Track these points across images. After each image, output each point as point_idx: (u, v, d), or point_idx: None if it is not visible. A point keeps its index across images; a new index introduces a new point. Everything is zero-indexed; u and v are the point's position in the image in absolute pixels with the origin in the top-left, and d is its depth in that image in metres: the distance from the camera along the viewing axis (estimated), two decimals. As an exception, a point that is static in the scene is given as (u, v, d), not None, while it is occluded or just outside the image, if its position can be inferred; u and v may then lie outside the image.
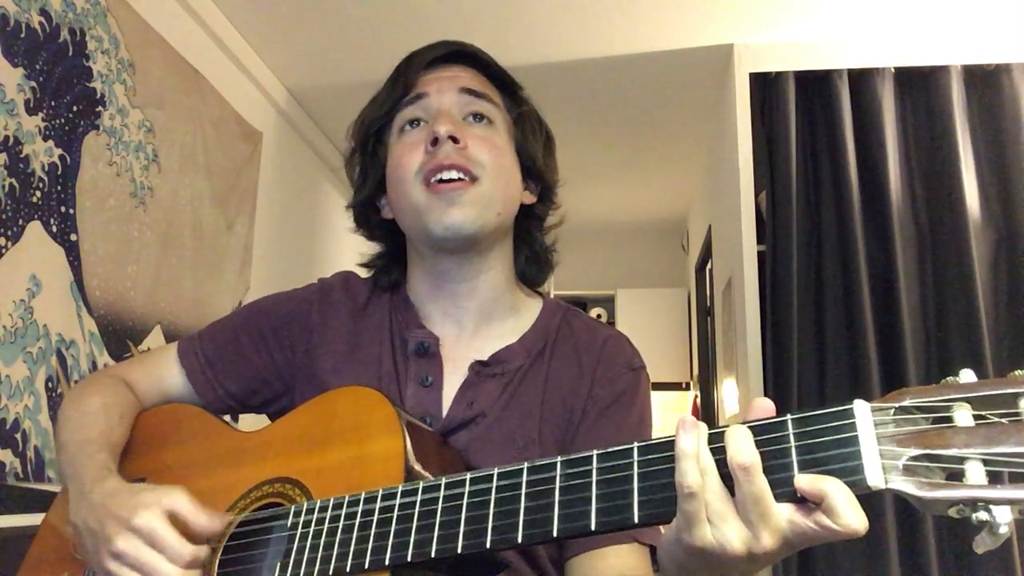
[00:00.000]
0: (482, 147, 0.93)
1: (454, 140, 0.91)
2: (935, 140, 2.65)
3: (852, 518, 0.55)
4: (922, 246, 2.62)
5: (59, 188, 1.94)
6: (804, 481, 0.57)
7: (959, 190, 2.58)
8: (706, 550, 0.60)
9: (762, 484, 0.57)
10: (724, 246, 3.29)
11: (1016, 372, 0.54)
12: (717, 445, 0.60)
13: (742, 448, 0.58)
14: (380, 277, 1.05)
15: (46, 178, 1.90)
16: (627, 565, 0.85)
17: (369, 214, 1.03)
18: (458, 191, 0.90)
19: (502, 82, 1.02)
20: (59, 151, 1.95)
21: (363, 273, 1.08)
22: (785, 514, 0.58)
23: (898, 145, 2.68)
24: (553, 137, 1.07)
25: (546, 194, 1.03)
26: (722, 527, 0.59)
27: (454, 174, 0.90)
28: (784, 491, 0.58)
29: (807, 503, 0.57)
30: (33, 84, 1.86)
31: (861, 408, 0.57)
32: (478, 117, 0.96)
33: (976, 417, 0.54)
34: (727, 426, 0.61)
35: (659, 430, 0.69)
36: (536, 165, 1.00)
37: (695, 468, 0.59)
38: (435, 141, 0.91)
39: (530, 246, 1.03)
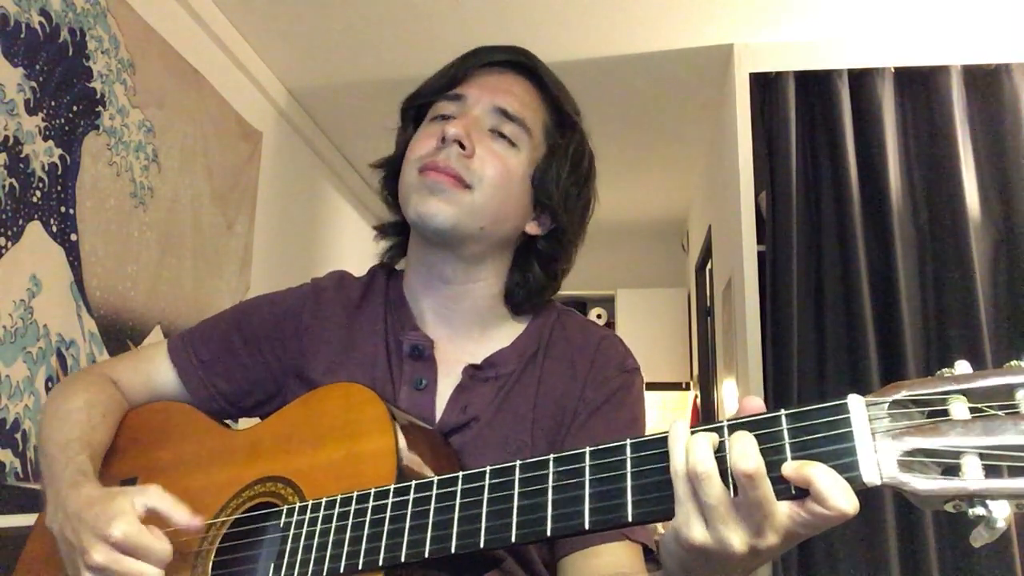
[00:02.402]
0: (489, 161, 0.92)
1: (461, 146, 0.90)
2: (935, 140, 2.65)
3: (841, 500, 0.55)
4: (922, 246, 2.62)
5: (59, 188, 1.94)
6: (790, 468, 0.57)
7: (959, 190, 2.57)
8: (707, 549, 0.59)
9: (766, 489, 0.57)
10: (724, 246, 3.29)
11: (1012, 362, 0.53)
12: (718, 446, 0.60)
13: (746, 453, 0.57)
14: (382, 256, 1.05)
15: (46, 178, 1.90)
16: (619, 563, 0.84)
17: (392, 182, 1.02)
18: (443, 185, 0.90)
19: (554, 106, 0.99)
20: (59, 151, 1.95)
21: (361, 271, 1.08)
22: (785, 511, 0.57)
23: (898, 145, 2.68)
24: (594, 180, 1.02)
25: (557, 233, 0.99)
26: (722, 528, 0.58)
27: (446, 178, 0.90)
28: (781, 488, 0.57)
29: (804, 497, 0.57)
30: (33, 84, 1.86)
31: (855, 402, 0.57)
32: (503, 135, 0.94)
33: (972, 410, 0.53)
34: (722, 423, 0.61)
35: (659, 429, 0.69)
36: (551, 200, 0.96)
37: (681, 448, 0.60)
38: (443, 139, 0.91)
39: (523, 274, 0.99)
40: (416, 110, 1.01)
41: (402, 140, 1.01)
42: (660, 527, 0.72)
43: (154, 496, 0.77)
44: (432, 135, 0.93)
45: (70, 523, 0.79)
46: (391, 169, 1.02)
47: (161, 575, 0.74)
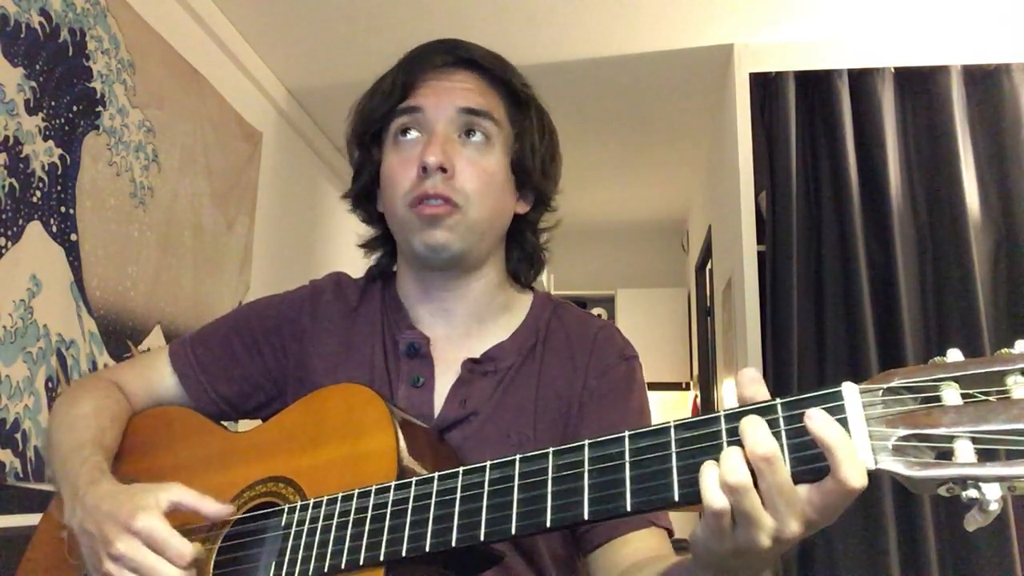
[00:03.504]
0: (470, 174, 0.92)
1: (442, 170, 0.91)
2: (935, 140, 2.65)
3: (853, 473, 0.55)
4: (922, 246, 2.62)
5: (59, 188, 1.95)
6: (816, 424, 0.56)
7: (959, 190, 2.58)
8: (738, 549, 0.59)
9: (785, 472, 0.57)
10: (724, 246, 3.29)
11: (1002, 350, 0.54)
12: (735, 438, 0.59)
13: (762, 439, 0.56)
14: (373, 268, 1.05)
15: (46, 178, 1.90)
16: (650, 547, 0.85)
17: (364, 202, 1.03)
18: (440, 215, 0.91)
19: (507, 89, 0.99)
20: (59, 151, 1.95)
21: (360, 271, 1.09)
22: (803, 495, 0.57)
23: (898, 145, 2.68)
24: (558, 140, 1.05)
25: (542, 202, 1.02)
26: (749, 527, 0.58)
27: (438, 201, 0.91)
28: (800, 470, 0.57)
29: (816, 479, 0.57)
30: (33, 84, 1.86)
31: (849, 390, 0.57)
32: (473, 133, 0.94)
33: (964, 396, 0.54)
34: (719, 413, 0.61)
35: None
36: (533, 181, 0.99)
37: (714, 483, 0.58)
38: (425, 168, 0.91)
39: (522, 248, 1.03)
40: (372, 134, 1.00)
41: (366, 163, 1.00)
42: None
43: (177, 491, 0.78)
44: (408, 162, 0.93)
45: (91, 516, 0.79)
46: (363, 194, 1.02)
47: (180, 574, 0.74)
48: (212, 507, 0.78)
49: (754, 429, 0.57)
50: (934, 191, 2.63)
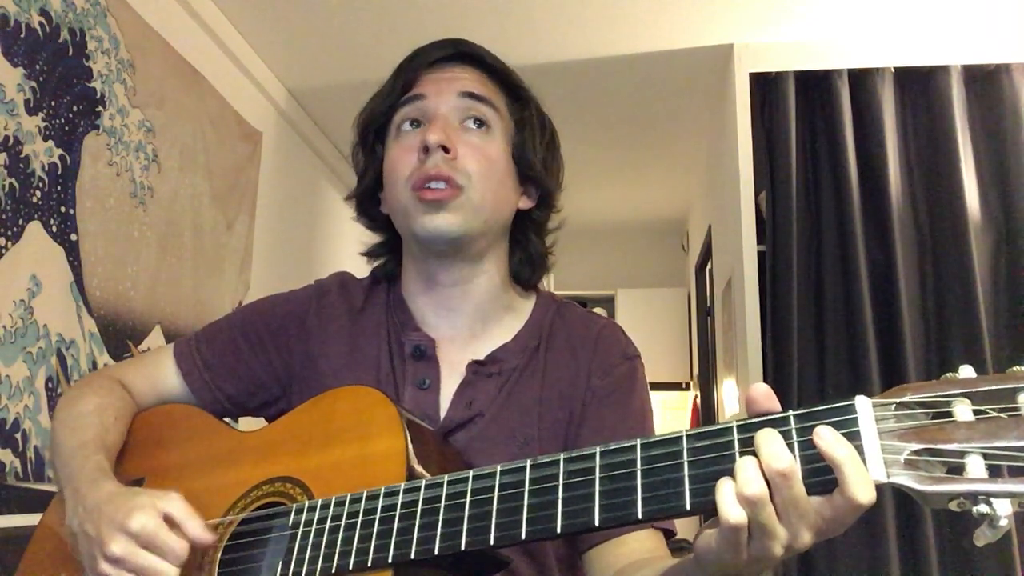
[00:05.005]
0: (472, 157, 0.93)
1: (444, 149, 0.91)
2: (935, 140, 2.65)
3: (861, 489, 0.55)
4: (922, 246, 2.62)
5: (59, 188, 1.94)
6: (825, 441, 0.56)
7: (959, 190, 2.58)
8: (749, 559, 0.60)
9: (800, 486, 0.57)
10: (724, 246, 3.29)
11: (1015, 367, 0.54)
12: (747, 448, 0.59)
13: (779, 453, 0.57)
14: (377, 270, 1.05)
15: (46, 178, 1.90)
16: (646, 549, 0.86)
17: (368, 206, 1.04)
18: (443, 199, 0.91)
19: (506, 84, 1.01)
20: (59, 151, 1.95)
21: (361, 271, 1.08)
22: (815, 506, 0.58)
23: (898, 145, 2.68)
24: (558, 141, 1.05)
25: (545, 199, 1.03)
26: (764, 539, 0.58)
27: (441, 184, 0.91)
28: (811, 482, 0.57)
29: (826, 491, 0.57)
30: (33, 84, 1.86)
31: (862, 403, 0.57)
32: (476, 122, 0.95)
33: (976, 412, 0.54)
34: (731, 423, 0.61)
35: (660, 428, 0.69)
36: (534, 172, 0.99)
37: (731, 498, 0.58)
38: (426, 149, 0.91)
39: (525, 248, 1.03)
40: (376, 131, 1.01)
41: (370, 163, 1.01)
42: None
43: (173, 502, 0.78)
44: (410, 148, 0.94)
45: (90, 517, 0.79)
46: (367, 195, 1.02)
47: (176, 573, 0.74)
48: (196, 529, 0.77)
49: (770, 443, 0.58)
50: (934, 191, 2.63)
